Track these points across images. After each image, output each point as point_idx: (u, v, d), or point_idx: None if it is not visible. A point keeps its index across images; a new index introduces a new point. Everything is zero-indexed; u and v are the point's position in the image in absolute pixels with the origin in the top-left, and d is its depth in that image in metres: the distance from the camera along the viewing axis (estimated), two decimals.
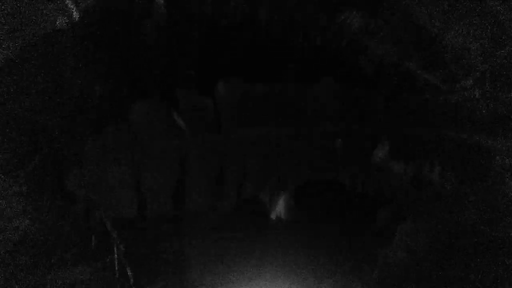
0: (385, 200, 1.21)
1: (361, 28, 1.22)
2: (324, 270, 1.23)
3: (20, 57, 1.11)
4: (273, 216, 1.15)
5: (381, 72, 1.22)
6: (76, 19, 1.14)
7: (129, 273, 1.15)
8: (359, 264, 1.24)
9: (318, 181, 1.17)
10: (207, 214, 1.17)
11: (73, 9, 1.14)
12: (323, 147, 1.11)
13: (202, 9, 1.19)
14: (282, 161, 1.10)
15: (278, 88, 1.06)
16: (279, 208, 1.20)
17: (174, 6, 1.15)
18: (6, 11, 1.16)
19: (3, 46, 1.15)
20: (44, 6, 1.14)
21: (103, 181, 0.91)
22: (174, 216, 1.16)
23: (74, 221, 1.13)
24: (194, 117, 0.98)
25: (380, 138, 1.19)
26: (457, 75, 1.20)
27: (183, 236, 1.18)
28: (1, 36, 1.14)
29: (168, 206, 0.94)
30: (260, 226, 1.20)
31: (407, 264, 1.16)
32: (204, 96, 0.99)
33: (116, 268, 1.16)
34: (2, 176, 1.14)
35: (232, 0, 1.20)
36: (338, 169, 1.16)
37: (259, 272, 1.20)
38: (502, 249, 1.14)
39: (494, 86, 1.19)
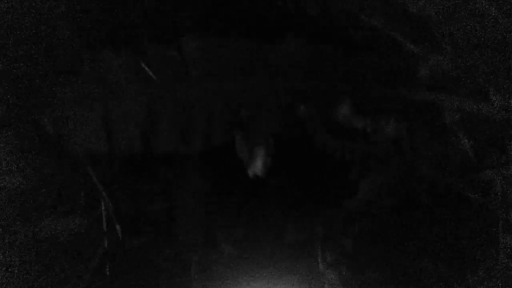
0: (348, 158, 1.31)
1: None
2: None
3: None
4: (250, 173, 1.25)
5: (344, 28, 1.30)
6: None
7: (117, 227, 1.25)
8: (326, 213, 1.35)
9: (288, 140, 1.27)
10: (195, 179, 1.28)
11: None
12: (289, 104, 1.22)
13: None
14: (248, 113, 1.21)
15: (245, 43, 1.16)
16: (257, 165, 1.31)
17: None
18: None
19: None
20: None
21: (74, 119, 1.04)
22: (164, 177, 1.28)
23: (64, 176, 1.24)
24: (162, 68, 1.09)
25: (342, 96, 1.29)
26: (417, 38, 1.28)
27: (172, 198, 1.30)
28: None
29: (135, 143, 1.07)
30: (247, 192, 1.31)
31: (369, 214, 1.28)
32: (171, 49, 1.10)
33: (104, 222, 1.24)
34: None
35: None
36: (303, 126, 1.27)
37: (246, 233, 1.33)
38: (459, 202, 1.24)
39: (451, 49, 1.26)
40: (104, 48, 1.07)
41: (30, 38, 1.17)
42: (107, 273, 1.19)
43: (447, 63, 1.21)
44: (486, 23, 1.18)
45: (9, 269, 1.16)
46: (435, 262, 1.20)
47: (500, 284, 1.12)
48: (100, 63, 1.06)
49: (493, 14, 1.18)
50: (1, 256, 1.14)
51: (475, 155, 1.19)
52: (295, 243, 1.26)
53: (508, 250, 1.13)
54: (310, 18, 1.32)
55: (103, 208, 1.24)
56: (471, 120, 1.19)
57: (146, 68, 1.02)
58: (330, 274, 1.20)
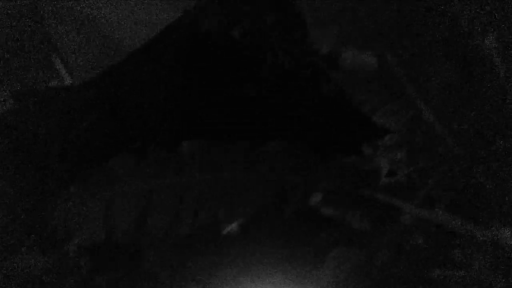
0: None
1: None
2: None
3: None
4: (224, 231, 1.45)
5: None
6: (68, 83, 1.45)
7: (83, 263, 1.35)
8: None
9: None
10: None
11: (65, 74, 1.45)
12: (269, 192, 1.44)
13: None
14: (233, 197, 1.43)
15: (235, 144, 1.40)
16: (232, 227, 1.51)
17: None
18: None
19: None
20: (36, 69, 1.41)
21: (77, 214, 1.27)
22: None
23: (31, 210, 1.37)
24: (159, 167, 1.33)
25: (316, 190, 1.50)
26: None
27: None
28: None
29: (130, 231, 1.29)
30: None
31: None
32: (169, 152, 1.34)
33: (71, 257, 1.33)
34: None
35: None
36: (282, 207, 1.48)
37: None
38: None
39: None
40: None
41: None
42: None
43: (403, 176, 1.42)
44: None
45: None
46: None
47: None
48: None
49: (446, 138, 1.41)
50: None
51: (425, 257, 1.39)
52: None
53: None
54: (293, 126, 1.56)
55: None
56: (423, 225, 1.39)
57: None
58: None
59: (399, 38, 1.51)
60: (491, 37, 1.34)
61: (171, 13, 1.48)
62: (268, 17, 1.86)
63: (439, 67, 1.48)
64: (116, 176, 1.31)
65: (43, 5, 1.39)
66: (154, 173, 1.34)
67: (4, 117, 1.41)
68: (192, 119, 1.51)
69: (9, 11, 1.39)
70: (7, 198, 1.37)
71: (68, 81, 1.44)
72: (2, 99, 1.42)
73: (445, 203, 1.39)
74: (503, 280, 1.24)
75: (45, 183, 1.36)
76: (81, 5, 1.41)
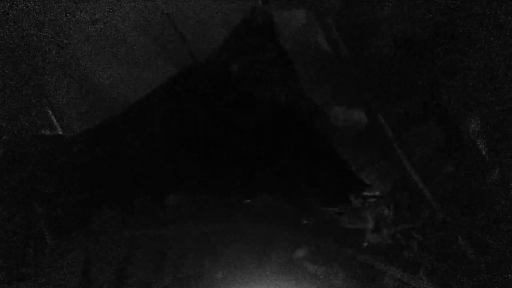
0: None
1: None
2: None
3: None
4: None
5: None
6: (60, 133, 1.47)
7: None
8: None
9: None
10: None
11: (57, 125, 1.47)
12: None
13: None
14: (217, 249, 1.43)
15: (220, 198, 1.41)
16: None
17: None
18: None
19: None
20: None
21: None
22: None
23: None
24: (143, 219, 1.33)
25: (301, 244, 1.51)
26: None
27: None
28: None
29: (110, 285, 1.28)
30: None
31: None
32: (156, 205, 1.34)
33: None
34: None
35: None
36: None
37: None
38: None
39: None
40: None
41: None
42: None
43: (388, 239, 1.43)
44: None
45: None
46: None
47: None
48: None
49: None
50: None
51: None
52: None
53: None
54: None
55: None
56: None
57: None
58: None
59: (390, 99, 1.55)
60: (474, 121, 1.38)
61: (168, 68, 1.51)
62: (267, 53, 1.90)
63: (427, 130, 1.51)
64: (95, 231, 1.31)
65: (40, 56, 1.42)
66: (138, 225, 1.34)
67: None
68: (179, 174, 1.52)
69: (4, 59, 1.41)
70: None
71: (59, 131, 1.46)
72: None
73: (427, 269, 1.39)
74: None
75: (29, 233, 1.36)
76: (78, 59, 1.44)
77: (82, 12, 1.54)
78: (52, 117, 1.49)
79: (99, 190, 1.48)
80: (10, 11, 1.45)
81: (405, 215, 1.55)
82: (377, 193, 1.64)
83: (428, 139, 1.51)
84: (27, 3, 1.49)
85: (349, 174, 1.63)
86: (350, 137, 1.59)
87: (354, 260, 1.47)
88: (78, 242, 1.32)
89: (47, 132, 1.50)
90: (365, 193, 1.69)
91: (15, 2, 1.47)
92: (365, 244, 1.48)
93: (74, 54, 1.56)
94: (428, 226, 1.47)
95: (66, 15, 1.51)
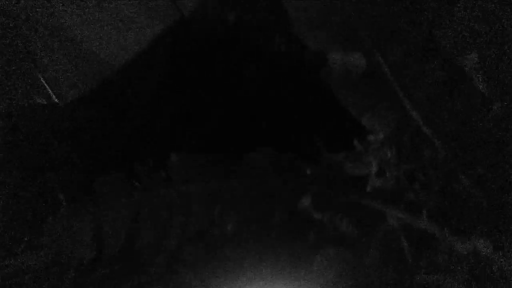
0: None
1: None
2: None
3: None
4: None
5: None
6: (55, 101, 1.47)
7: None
8: None
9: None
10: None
11: (51, 93, 1.47)
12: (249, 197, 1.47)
13: None
14: (223, 204, 1.46)
15: (221, 154, 1.42)
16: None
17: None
18: None
19: None
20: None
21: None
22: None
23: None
24: (146, 180, 1.35)
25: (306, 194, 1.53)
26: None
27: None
28: None
29: (120, 248, 1.32)
30: None
31: None
32: (158, 167, 1.36)
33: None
34: None
35: None
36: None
37: None
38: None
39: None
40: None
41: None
42: None
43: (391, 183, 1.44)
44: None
45: None
46: None
47: None
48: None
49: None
50: None
51: (412, 258, 1.42)
52: None
53: None
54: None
55: None
56: (408, 230, 1.42)
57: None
58: None
59: (388, 39, 1.50)
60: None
61: (157, 24, 1.47)
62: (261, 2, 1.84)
63: (426, 69, 1.47)
64: (101, 195, 1.35)
65: (28, 25, 1.40)
66: (142, 187, 1.37)
67: None
68: (179, 133, 1.53)
69: None
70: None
71: (54, 99, 1.46)
72: None
73: (429, 208, 1.41)
74: None
75: (37, 202, 1.40)
76: (66, 26, 1.41)
77: None
78: (46, 85, 1.49)
79: (102, 154, 1.50)
80: None
81: (408, 157, 1.54)
82: (381, 136, 1.63)
83: (427, 77, 1.47)
84: None
85: (351, 120, 1.62)
86: (349, 82, 1.57)
87: (358, 205, 1.49)
88: (87, 207, 1.36)
89: (44, 101, 1.51)
90: (369, 138, 1.68)
91: None
92: (368, 189, 1.50)
93: (61, 18, 1.54)
94: (430, 165, 1.47)
95: None
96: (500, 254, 1.31)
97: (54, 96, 1.48)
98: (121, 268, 1.39)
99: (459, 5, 1.39)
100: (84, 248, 1.32)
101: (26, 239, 1.37)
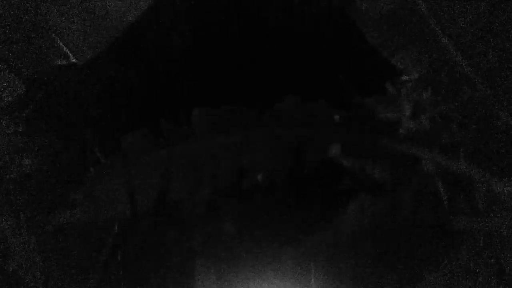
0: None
1: None
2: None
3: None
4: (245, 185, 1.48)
5: None
6: (74, 61, 1.45)
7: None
8: None
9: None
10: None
11: (69, 54, 1.44)
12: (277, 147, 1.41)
13: None
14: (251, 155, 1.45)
15: (246, 106, 1.39)
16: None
17: None
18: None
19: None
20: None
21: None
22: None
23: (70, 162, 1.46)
24: (172, 136, 1.35)
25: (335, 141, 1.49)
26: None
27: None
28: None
29: (152, 204, 1.35)
30: None
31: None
32: (180, 121, 1.35)
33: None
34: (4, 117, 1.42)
35: None
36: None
37: None
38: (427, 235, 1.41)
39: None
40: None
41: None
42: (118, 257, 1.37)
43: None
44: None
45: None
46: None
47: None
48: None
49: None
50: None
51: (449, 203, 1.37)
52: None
53: None
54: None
55: None
56: (444, 173, 1.36)
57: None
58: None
59: None
60: None
61: None
62: None
63: (463, 4, 1.35)
64: (129, 154, 1.36)
65: None
66: (167, 144, 1.37)
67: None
68: (201, 86, 1.49)
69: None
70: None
71: (72, 59, 1.45)
72: (13, 86, 1.46)
73: (467, 149, 1.33)
74: None
75: (85, 160, 1.42)
76: None
77: None
78: (63, 46, 1.48)
79: (128, 112, 1.50)
80: None
81: (444, 96, 1.45)
82: (416, 76, 1.53)
83: (468, 12, 1.35)
84: None
85: (382, 61, 1.53)
86: (379, 19, 1.47)
87: (391, 150, 1.43)
88: (117, 165, 1.39)
89: (64, 62, 1.51)
90: (403, 78, 1.58)
91: None
92: (402, 133, 1.43)
93: None
94: (468, 104, 1.38)
95: None
96: None
97: (71, 56, 1.47)
98: (161, 221, 1.42)
99: None
100: (122, 204, 1.35)
101: (70, 198, 1.41)
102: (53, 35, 1.43)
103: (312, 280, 1.44)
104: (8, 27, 1.47)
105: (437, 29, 1.39)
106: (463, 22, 1.38)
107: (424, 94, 1.50)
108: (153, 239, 1.44)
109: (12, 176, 1.46)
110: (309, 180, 1.51)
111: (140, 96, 1.57)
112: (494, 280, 1.26)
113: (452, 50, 1.40)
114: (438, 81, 1.46)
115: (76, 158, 1.52)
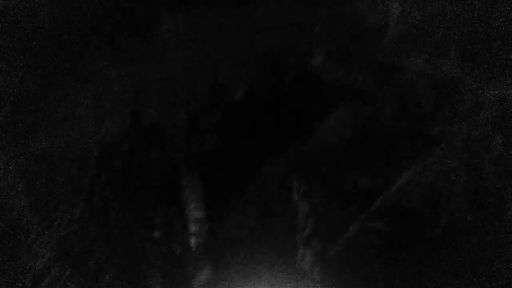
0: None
1: None
2: None
3: None
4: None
5: None
6: None
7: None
8: None
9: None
10: None
11: None
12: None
13: None
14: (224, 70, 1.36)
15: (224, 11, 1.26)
16: None
17: None
18: None
19: None
20: None
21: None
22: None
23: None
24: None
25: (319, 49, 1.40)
26: None
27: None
28: None
29: (123, 124, 1.27)
30: None
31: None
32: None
33: None
34: None
35: None
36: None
37: None
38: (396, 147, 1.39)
39: None
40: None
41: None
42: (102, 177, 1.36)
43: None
44: None
45: None
46: None
47: None
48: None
49: None
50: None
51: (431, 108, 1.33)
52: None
53: None
54: None
55: None
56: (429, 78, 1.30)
57: None
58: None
59: None
60: None
61: None
62: None
63: None
64: (93, 71, 1.24)
65: None
66: (129, 59, 1.25)
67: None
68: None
69: None
70: None
71: None
72: None
73: (458, 48, 1.25)
74: (502, 137, 1.19)
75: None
76: None
77: None
78: None
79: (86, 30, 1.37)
80: None
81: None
82: None
83: None
84: None
85: None
86: None
87: (375, 58, 1.36)
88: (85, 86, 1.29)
89: None
90: None
91: None
92: (388, 37, 1.34)
93: None
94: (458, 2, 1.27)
95: None
96: None
97: None
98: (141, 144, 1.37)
99: None
100: (93, 127, 1.28)
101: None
102: None
103: (295, 186, 1.43)
104: None
105: None
106: None
107: None
108: (134, 160, 1.42)
109: None
110: (289, 93, 1.45)
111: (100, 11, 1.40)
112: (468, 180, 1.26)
113: None
114: None
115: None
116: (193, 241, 1.38)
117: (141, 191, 1.40)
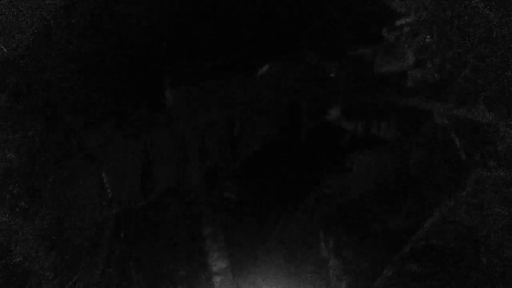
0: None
1: None
2: None
3: None
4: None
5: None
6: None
7: None
8: None
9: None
10: None
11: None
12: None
13: None
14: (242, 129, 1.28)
15: (222, 83, 1.20)
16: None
17: None
18: None
19: None
20: None
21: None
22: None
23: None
24: (144, 123, 1.17)
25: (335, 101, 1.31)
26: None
27: None
28: None
29: (135, 194, 1.18)
30: None
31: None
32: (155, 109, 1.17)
33: None
34: None
35: None
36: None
37: None
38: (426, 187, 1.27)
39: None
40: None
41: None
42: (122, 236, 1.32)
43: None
44: None
45: None
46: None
47: None
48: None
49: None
50: None
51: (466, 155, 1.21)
52: None
53: None
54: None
55: None
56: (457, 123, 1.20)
57: None
58: None
59: None
60: None
61: None
62: None
63: None
64: (97, 148, 1.17)
65: None
66: (142, 130, 1.18)
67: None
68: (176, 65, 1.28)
69: None
70: None
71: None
72: None
73: (487, 95, 1.16)
74: None
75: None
76: None
77: None
78: None
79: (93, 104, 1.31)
80: None
81: (453, 38, 1.26)
82: (414, 18, 1.34)
83: None
84: None
85: (379, 6, 1.35)
86: None
87: (396, 106, 1.26)
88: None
89: None
90: (399, 22, 1.38)
91: None
92: (408, 84, 1.25)
93: None
94: (483, 42, 1.19)
95: None
96: None
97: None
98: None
99: None
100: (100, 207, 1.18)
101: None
102: None
103: (323, 244, 1.30)
104: None
105: None
106: None
107: (428, 38, 1.31)
108: (151, 220, 1.35)
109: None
110: (307, 143, 1.35)
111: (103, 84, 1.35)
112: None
113: None
114: (445, 22, 1.27)
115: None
116: None
117: (162, 245, 1.34)
